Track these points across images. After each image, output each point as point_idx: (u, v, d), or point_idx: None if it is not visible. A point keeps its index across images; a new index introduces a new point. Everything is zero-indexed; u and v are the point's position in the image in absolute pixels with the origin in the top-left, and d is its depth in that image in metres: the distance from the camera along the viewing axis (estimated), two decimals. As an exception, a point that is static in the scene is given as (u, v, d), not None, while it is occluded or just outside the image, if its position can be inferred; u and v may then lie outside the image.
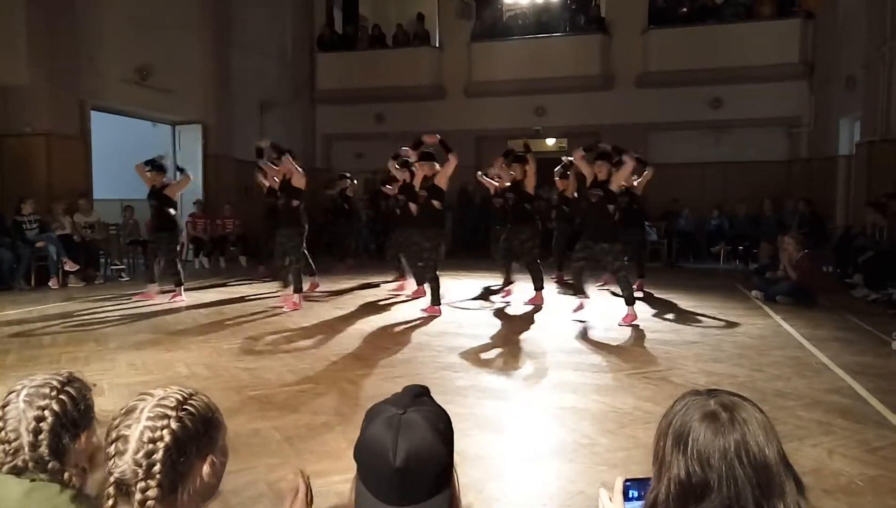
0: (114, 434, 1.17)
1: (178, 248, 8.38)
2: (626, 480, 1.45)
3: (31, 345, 5.61)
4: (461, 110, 15.62)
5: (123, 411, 1.19)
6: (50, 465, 1.44)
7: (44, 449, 1.43)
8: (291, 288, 7.72)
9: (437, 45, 16.27)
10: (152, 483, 1.13)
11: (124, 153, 11.76)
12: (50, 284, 9.16)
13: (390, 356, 5.37)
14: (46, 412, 1.45)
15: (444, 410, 1.17)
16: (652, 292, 8.90)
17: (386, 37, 16.47)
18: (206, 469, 1.22)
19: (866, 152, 10.94)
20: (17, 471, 1.43)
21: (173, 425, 1.17)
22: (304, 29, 16.48)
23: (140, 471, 1.13)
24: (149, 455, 1.14)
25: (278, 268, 8.18)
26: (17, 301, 7.90)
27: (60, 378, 1.52)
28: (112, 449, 1.16)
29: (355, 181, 12.08)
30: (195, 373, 4.77)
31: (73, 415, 1.49)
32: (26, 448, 1.43)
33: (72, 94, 10.47)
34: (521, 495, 2.83)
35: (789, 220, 11.97)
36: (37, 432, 1.43)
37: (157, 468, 1.14)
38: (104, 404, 1.68)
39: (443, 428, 1.12)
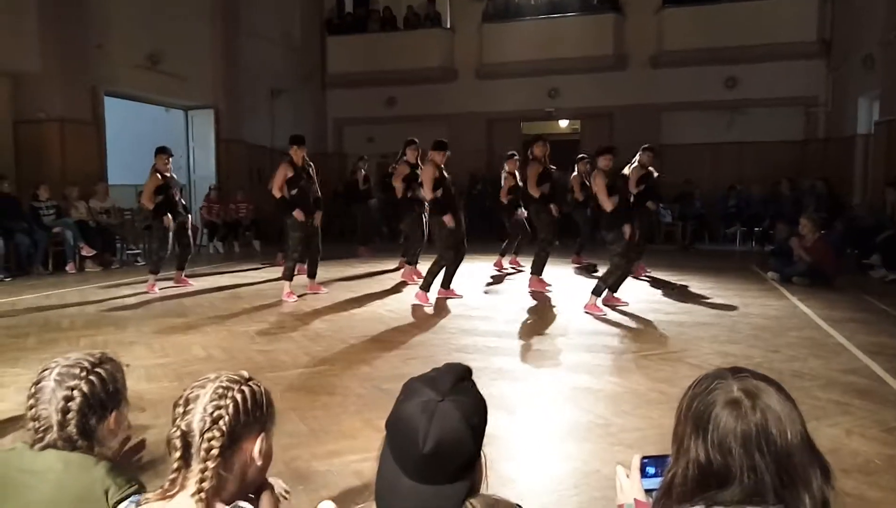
0: (184, 397, 1.30)
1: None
2: (644, 457, 1.45)
3: (51, 328, 5.69)
4: (473, 93, 15.52)
5: (197, 381, 1.33)
6: (78, 444, 1.47)
7: (72, 429, 1.46)
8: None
9: (449, 26, 16.15)
10: (217, 433, 1.24)
11: (139, 139, 11.83)
12: (67, 269, 9.25)
13: (404, 338, 5.39)
14: (75, 393, 1.47)
15: (482, 399, 1.16)
16: (653, 274, 8.80)
17: (397, 19, 16.36)
18: (257, 444, 1.31)
19: (885, 131, 10.77)
20: (47, 449, 1.47)
21: (241, 390, 1.30)
22: (313, 12, 16.41)
23: (208, 421, 1.25)
24: (217, 407, 1.26)
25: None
26: (36, 286, 8.00)
27: (92, 359, 1.54)
28: (181, 409, 1.28)
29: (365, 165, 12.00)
30: (211, 356, 4.81)
31: (101, 396, 1.51)
32: (55, 428, 1.46)
33: (84, 80, 10.50)
34: (535, 474, 2.84)
35: (807, 200, 11.84)
36: (65, 411, 1.46)
37: (223, 421, 1.25)
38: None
39: (476, 422, 1.12)
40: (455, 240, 6.92)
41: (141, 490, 1.47)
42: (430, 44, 15.85)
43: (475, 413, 1.12)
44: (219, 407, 1.26)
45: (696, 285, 7.99)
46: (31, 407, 1.49)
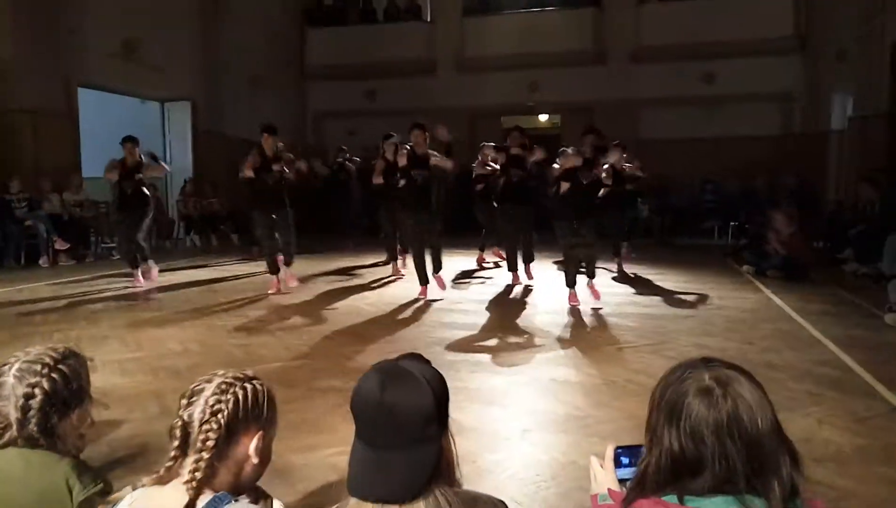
0: (191, 390, 1.32)
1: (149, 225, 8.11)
2: (618, 447, 1.45)
3: (23, 323, 5.59)
4: (453, 86, 15.48)
5: (204, 378, 1.35)
6: (39, 442, 1.43)
7: (32, 427, 1.42)
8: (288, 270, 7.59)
9: (429, 19, 16.09)
10: (214, 425, 1.26)
11: (114, 131, 11.62)
12: (40, 262, 9.11)
13: (384, 331, 5.38)
14: (36, 391, 1.42)
15: (438, 373, 1.20)
16: (629, 269, 8.88)
17: (377, 11, 16.27)
18: (254, 442, 1.31)
19: (859, 127, 10.95)
20: (7, 447, 1.43)
21: (243, 387, 1.33)
22: (292, 2, 16.24)
23: (207, 413, 1.27)
24: (218, 401, 1.28)
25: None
26: (8, 280, 7.85)
27: (55, 355, 1.49)
28: (185, 401, 1.31)
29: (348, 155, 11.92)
30: (188, 350, 4.76)
31: (63, 394, 1.46)
32: (15, 426, 1.41)
33: (57, 70, 10.30)
34: (513, 466, 2.85)
35: (781, 195, 11.98)
36: (25, 409, 1.41)
37: (222, 414, 1.27)
38: (96, 381, 1.66)
39: (434, 382, 1.15)
40: (416, 233, 6.96)
41: (107, 487, 1.44)
42: (410, 37, 15.78)
43: (431, 376, 1.16)
44: (219, 401, 1.28)
45: (672, 278, 8.07)
46: None
